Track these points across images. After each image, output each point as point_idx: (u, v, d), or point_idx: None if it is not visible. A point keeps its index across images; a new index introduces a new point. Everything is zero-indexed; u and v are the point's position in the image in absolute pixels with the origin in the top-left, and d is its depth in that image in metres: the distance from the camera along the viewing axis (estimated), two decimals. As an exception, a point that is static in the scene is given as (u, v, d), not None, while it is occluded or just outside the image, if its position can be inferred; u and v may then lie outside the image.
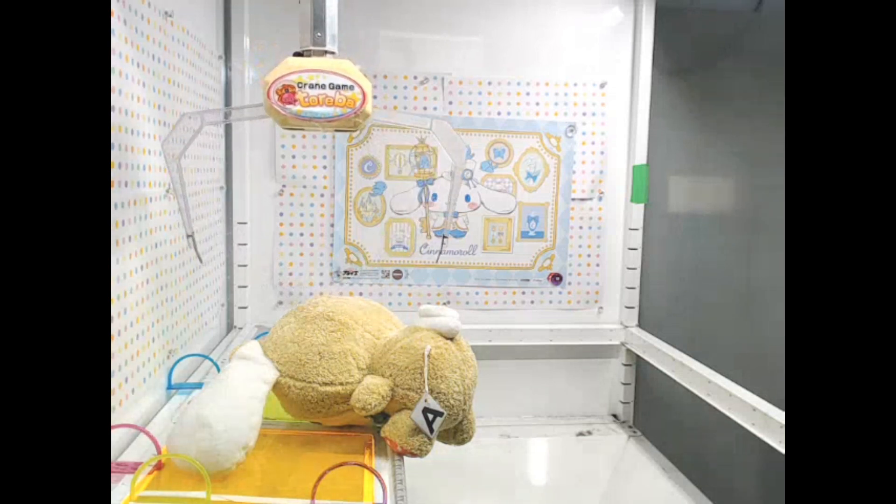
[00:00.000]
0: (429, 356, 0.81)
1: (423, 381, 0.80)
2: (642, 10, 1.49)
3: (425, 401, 0.80)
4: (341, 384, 0.82)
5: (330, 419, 0.87)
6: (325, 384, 0.82)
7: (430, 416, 0.80)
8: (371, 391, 0.80)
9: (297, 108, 0.81)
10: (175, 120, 1.04)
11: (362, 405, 0.80)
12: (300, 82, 0.80)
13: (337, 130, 0.86)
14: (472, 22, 1.47)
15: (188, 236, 0.89)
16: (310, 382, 0.82)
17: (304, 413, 0.85)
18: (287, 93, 0.80)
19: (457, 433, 0.87)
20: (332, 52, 0.85)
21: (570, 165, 1.52)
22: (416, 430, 0.81)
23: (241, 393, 0.77)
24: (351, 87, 0.81)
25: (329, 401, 0.83)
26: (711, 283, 1.36)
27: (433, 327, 0.85)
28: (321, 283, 1.49)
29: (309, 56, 0.84)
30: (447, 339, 0.84)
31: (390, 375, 0.82)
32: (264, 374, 0.82)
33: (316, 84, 0.81)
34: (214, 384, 0.78)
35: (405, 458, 0.83)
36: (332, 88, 0.81)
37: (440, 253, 0.89)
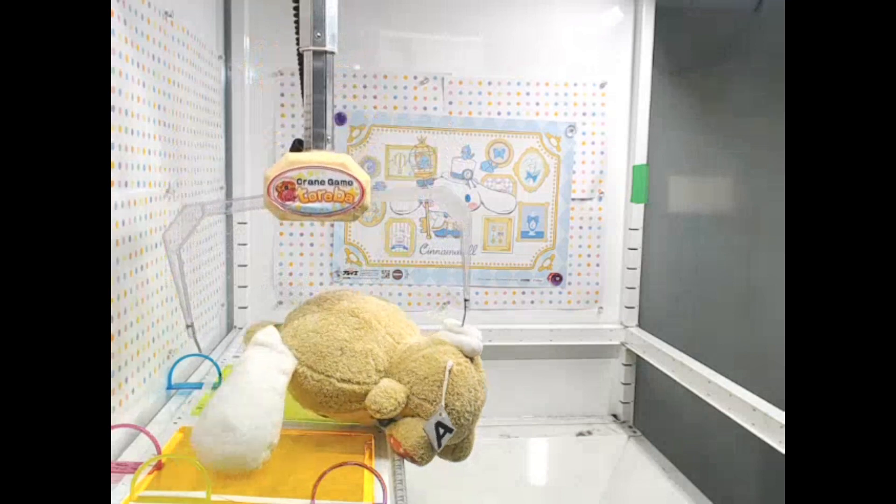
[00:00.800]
0: (450, 371, 0.81)
1: (441, 395, 0.80)
2: (642, 10, 1.49)
3: (440, 415, 0.80)
4: (358, 383, 0.82)
5: (340, 415, 0.86)
6: (343, 381, 0.82)
7: (441, 431, 0.80)
8: (389, 395, 0.80)
9: (296, 204, 0.81)
10: (175, 120, 1.04)
11: (378, 408, 0.79)
12: (300, 178, 0.80)
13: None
14: (472, 22, 1.47)
15: (187, 326, 0.89)
16: (328, 376, 0.82)
17: (316, 405, 0.85)
18: (287, 189, 0.80)
19: (455, 450, 0.87)
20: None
21: (570, 165, 1.52)
22: (424, 440, 0.81)
23: (262, 387, 0.76)
24: (350, 183, 0.81)
25: (343, 398, 0.82)
26: (711, 283, 1.36)
27: (456, 344, 0.85)
28: (321, 283, 1.49)
29: (308, 150, 0.84)
30: (468, 357, 0.84)
31: (408, 383, 0.82)
32: (283, 364, 0.80)
33: (315, 180, 0.81)
34: (235, 378, 0.76)
35: (404, 460, 0.83)
36: (332, 184, 0.81)
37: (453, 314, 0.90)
